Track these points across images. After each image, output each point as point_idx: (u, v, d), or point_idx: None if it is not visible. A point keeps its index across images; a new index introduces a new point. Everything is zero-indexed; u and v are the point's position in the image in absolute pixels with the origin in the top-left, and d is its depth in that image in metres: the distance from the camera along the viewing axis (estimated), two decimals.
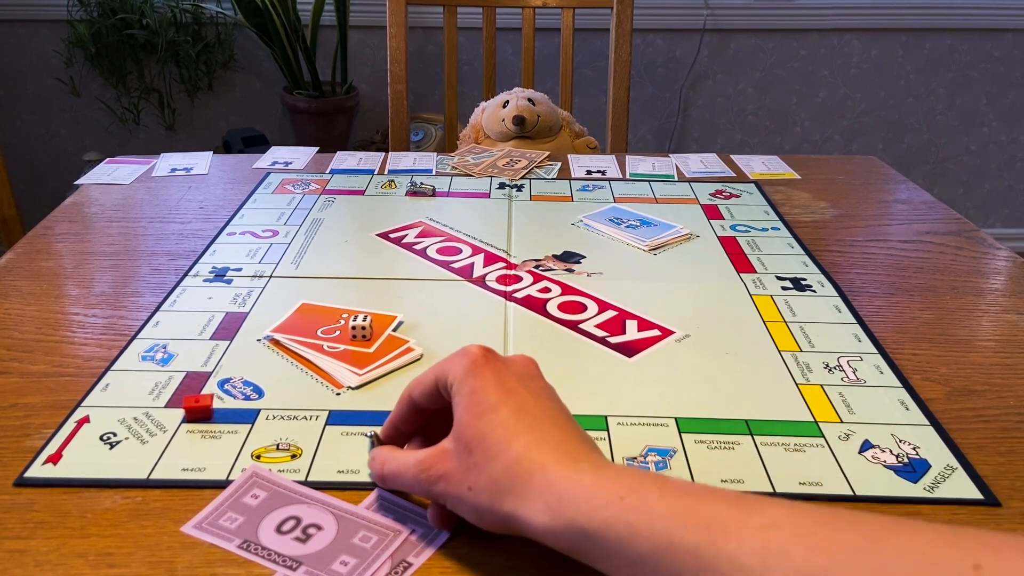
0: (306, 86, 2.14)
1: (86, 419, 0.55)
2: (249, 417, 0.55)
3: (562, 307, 0.70)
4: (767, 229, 0.87)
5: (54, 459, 0.51)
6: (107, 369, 0.60)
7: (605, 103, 1.45)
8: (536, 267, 0.77)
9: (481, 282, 0.74)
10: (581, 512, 0.37)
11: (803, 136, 2.36)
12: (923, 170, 2.42)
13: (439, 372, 0.45)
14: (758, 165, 1.06)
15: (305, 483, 0.49)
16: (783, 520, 0.34)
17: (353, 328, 0.64)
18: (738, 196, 0.96)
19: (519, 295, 0.72)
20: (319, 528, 0.46)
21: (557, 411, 0.43)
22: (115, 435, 0.53)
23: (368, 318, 0.64)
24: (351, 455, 0.52)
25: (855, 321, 0.69)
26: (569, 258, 0.79)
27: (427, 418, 0.48)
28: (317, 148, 1.08)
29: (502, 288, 0.73)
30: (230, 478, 0.50)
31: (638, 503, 0.36)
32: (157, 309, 0.69)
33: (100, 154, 2.13)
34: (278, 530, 0.46)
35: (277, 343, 0.64)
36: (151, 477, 0.50)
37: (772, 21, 2.21)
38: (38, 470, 0.50)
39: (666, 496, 0.36)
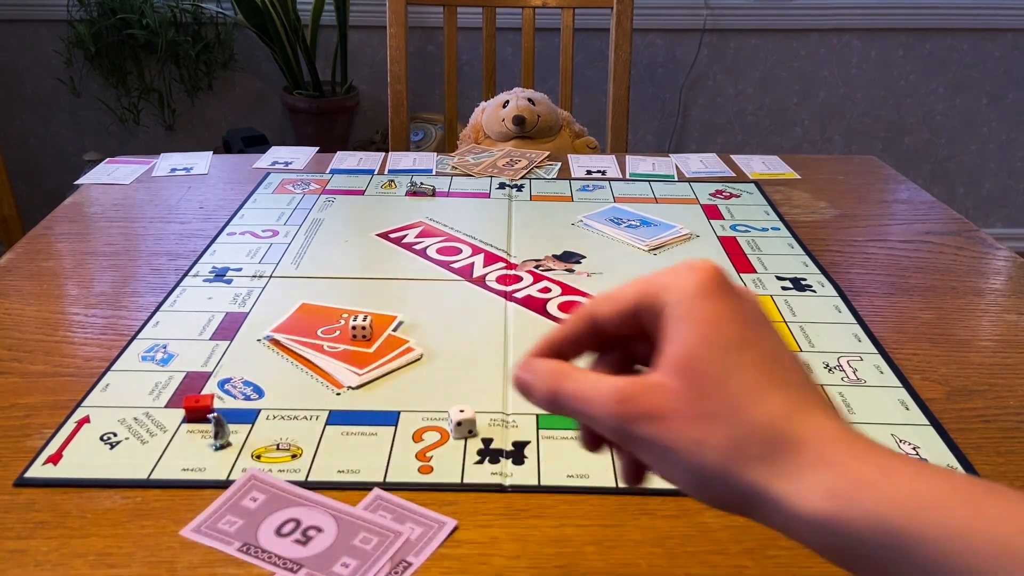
0: (306, 86, 2.14)
1: (86, 419, 0.55)
2: (249, 417, 0.55)
3: (562, 307, 0.70)
4: (767, 229, 0.87)
5: (54, 459, 0.51)
6: (107, 369, 0.60)
7: (605, 103, 1.45)
8: (536, 267, 0.77)
9: (481, 282, 0.74)
10: (896, 506, 0.27)
11: (803, 136, 2.36)
12: (923, 170, 2.42)
13: (647, 287, 0.33)
14: (758, 165, 1.06)
15: (305, 483, 0.49)
16: None
17: (353, 328, 0.63)
18: (738, 196, 0.96)
19: (519, 295, 0.72)
20: (319, 530, 0.46)
21: (804, 370, 0.33)
22: (115, 435, 0.53)
23: (368, 318, 0.64)
24: (351, 455, 0.52)
25: (855, 321, 0.69)
26: (569, 258, 0.79)
27: (593, 347, 0.37)
28: (317, 148, 1.08)
29: (502, 288, 0.73)
30: (230, 478, 0.50)
31: (983, 508, 0.26)
32: (157, 309, 0.69)
33: (100, 154, 2.13)
34: (278, 532, 0.46)
35: (277, 343, 0.64)
36: (151, 477, 0.50)
37: (772, 21, 2.21)
38: (38, 470, 0.50)
39: (1010, 505, 0.27)
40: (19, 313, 0.68)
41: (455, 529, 0.46)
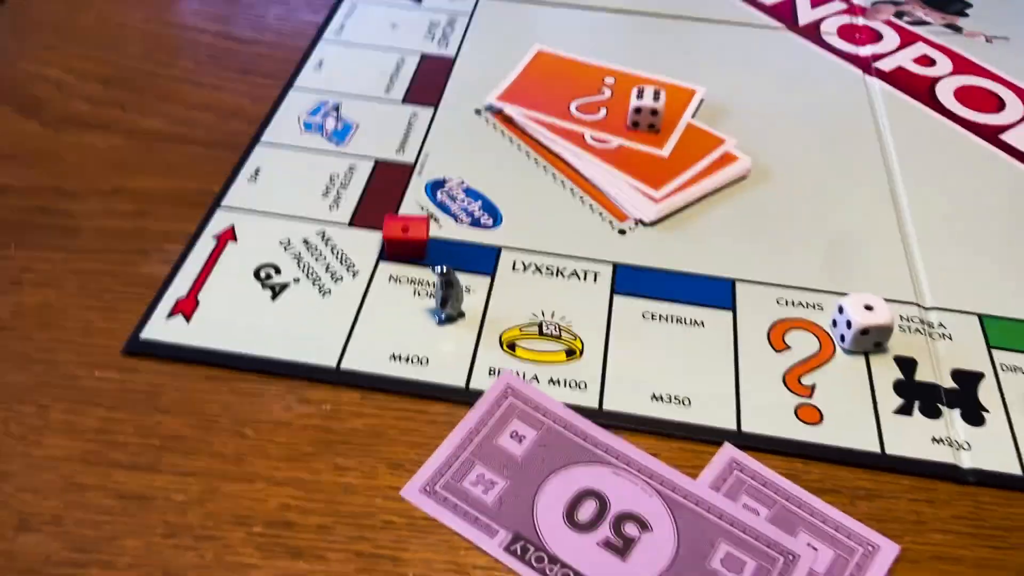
0: None
1: (230, 234, 0.34)
2: (483, 260, 0.34)
3: (961, 95, 0.43)
4: None
5: (186, 308, 0.32)
6: (256, 140, 0.39)
7: None
8: (897, 15, 0.48)
9: (815, 35, 0.47)
10: None
11: None
12: None
13: None
14: None
15: (599, 413, 0.29)
16: None
17: (636, 111, 0.39)
18: None
19: (884, 65, 0.45)
20: (644, 527, 0.26)
21: None
22: (276, 271, 0.33)
23: (660, 95, 0.39)
24: (661, 359, 0.30)
25: None
26: (947, 4, 0.49)
27: None
28: None
29: (852, 50, 0.46)
30: (472, 384, 0.29)
31: None
32: (318, 38, 0.45)
33: None
34: (570, 519, 0.26)
35: (508, 121, 0.40)
36: (342, 367, 0.30)
37: None
38: (160, 328, 0.31)
39: None
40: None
41: (897, 560, 0.25)
